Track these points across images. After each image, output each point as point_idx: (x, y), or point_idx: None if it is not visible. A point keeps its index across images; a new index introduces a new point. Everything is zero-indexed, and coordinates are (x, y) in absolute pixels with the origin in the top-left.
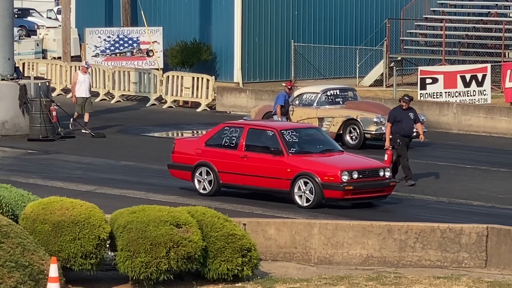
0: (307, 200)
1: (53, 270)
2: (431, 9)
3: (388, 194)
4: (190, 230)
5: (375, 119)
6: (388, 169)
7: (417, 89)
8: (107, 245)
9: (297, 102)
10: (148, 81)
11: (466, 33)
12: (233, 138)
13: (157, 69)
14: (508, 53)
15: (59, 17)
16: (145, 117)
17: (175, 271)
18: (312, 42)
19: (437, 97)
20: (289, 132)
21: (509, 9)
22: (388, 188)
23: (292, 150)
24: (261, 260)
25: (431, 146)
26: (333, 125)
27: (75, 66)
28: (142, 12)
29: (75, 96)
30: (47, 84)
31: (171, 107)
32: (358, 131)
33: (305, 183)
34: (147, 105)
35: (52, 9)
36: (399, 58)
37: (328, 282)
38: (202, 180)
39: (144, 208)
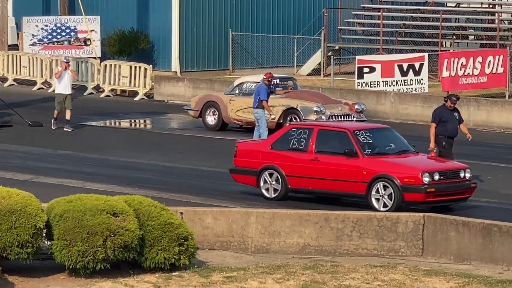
0: (385, 204)
1: None
2: None
3: (468, 196)
4: (127, 219)
5: (315, 108)
6: (469, 170)
7: (355, 78)
8: (44, 234)
9: (237, 91)
10: (85, 70)
11: (404, 22)
12: (301, 140)
13: (95, 58)
14: (445, 42)
15: None
16: (83, 106)
17: (112, 260)
18: (250, 31)
19: (374, 86)
20: (362, 133)
21: None
22: (469, 190)
23: (367, 151)
24: (198, 249)
25: None
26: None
27: (14, 55)
28: (79, 0)
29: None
30: None
31: (108, 96)
32: (298, 120)
33: (384, 187)
34: (84, 94)
35: None
36: (336, 47)
37: (265, 271)
38: (268, 185)
39: (80, 197)
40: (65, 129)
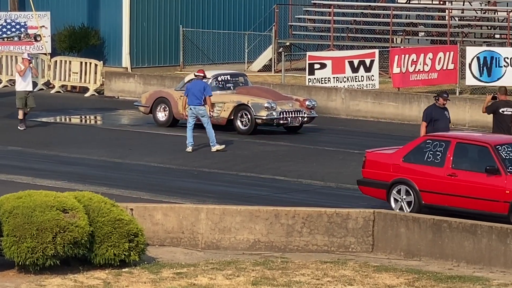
0: None
1: None
2: None
3: None
4: (77, 215)
5: (266, 104)
6: None
7: (305, 75)
8: None
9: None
10: (35, 66)
11: (354, 18)
12: (437, 153)
13: (45, 54)
14: (396, 38)
15: None
16: None
17: (62, 256)
18: (201, 27)
19: (325, 83)
20: (505, 148)
21: None
22: None
23: (510, 169)
24: (149, 245)
25: (319, 131)
26: (224, 110)
27: None
28: None
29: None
30: None
31: (59, 92)
32: (249, 116)
33: None
34: (34, 90)
35: None
36: (287, 44)
37: (215, 267)
38: (400, 200)
39: (30, 193)
40: (19, 127)
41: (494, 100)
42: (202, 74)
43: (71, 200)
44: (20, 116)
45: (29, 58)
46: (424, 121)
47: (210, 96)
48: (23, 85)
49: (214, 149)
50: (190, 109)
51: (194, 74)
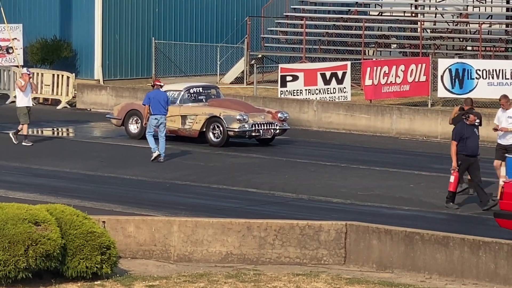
0: None
1: None
2: (291, 6)
3: None
4: (49, 228)
5: (238, 117)
6: None
7: (278, 87)
8: None
9: None
10: (7, 78)
11: (326, 30)
12: None
13: (17, 66)
14: (368, 50)
15: None
16: (5, 114)
17: (34, 269)
18: (173, 40)
19: (297, 95)
20: None
21: (369, 7)
22: None
23: None
24: (121, 258)
25: (292, 144)
26: (196, 122)
27: None
28: (1, 8)
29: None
30: None
31: None
32: (221, 128)
33: None
34: (6, 103)
35: None
36: (259, 56)
37: (187, 280)
38: None
39: (2, 206)
40: (24, 143)
41: (461, 111)
42: (162, 84)
43: (43, 213)
44: (25, 131)
45: (28, 73)
46: (454, 140)
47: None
48: (25, 100)
49: (157, 156)
50: (156, 118)
51: (154, 84)
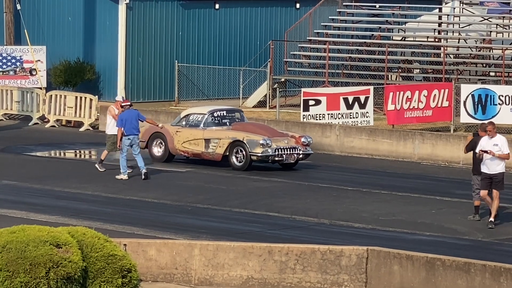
0: None
1: None
2: (314, 31)
3: None
4: (70, 251)
5: (261, 141)
6: None
7: (300, 111)
8: None
9: (183, 123)
10: (31, 100)
11: (350, 55)
12: None
13: (40, 88)
14: (391, 75)
15: None
16: (28, 136)
17: None
18: (196, 63)
19: (320, 119)
20: None
21: (392, 32)
22: None
23: None
24: (142, 281)
25: (314, 168)
26: (220, 146)
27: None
28: (25, 30)
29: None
30: None
31: (53, 126)
32: (244, 152)
33: None
34: (29, 124)
35: None
36: (282, 80)
37: None
38: None
39: (24, 228)
40: (96, 166)
41: (475, 137)
42: (129, 103)
43: (64, 235)
44: (103, 156)
45: (129, 104)
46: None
47: (145, 119)
48: (113, 129)
49: (125, 178)
50: (129, 138)
51: (123, 104)
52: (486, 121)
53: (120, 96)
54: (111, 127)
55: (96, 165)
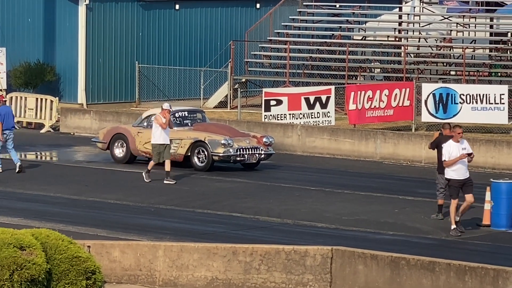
0: None
1: None
2: (275, 31)
3: None
4: (34, 253)
5: (222, 141)
6: None
7: (262, 111)
8: None
9: (145, 124)
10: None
11: (310, 55)
12: None
13: (0, 90)
14: (352, 75)
15: None
16: None
17: None
18: (156, 64)
19: (281, 119)
20: None
21: (353, 32)
22: None
23: None
24: (106, 283)
25: (276, 168)
26: (181, 147)
27: None
28: None
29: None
30: None
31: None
32: (206, 153)
33: None
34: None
35: None
36: (243, 80)
37: None
38: None
39: None
40: (165, 182)
41: (440, 136)
42: (5, 99)
43: (28, 237)
44: (150, 166)
45: (170, 109)
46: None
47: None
48: (161, 138)
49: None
50: (5, 133)
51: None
52: (449, 121)
53: (167, 104)
54: (157, 136)
55: (143, 174)
